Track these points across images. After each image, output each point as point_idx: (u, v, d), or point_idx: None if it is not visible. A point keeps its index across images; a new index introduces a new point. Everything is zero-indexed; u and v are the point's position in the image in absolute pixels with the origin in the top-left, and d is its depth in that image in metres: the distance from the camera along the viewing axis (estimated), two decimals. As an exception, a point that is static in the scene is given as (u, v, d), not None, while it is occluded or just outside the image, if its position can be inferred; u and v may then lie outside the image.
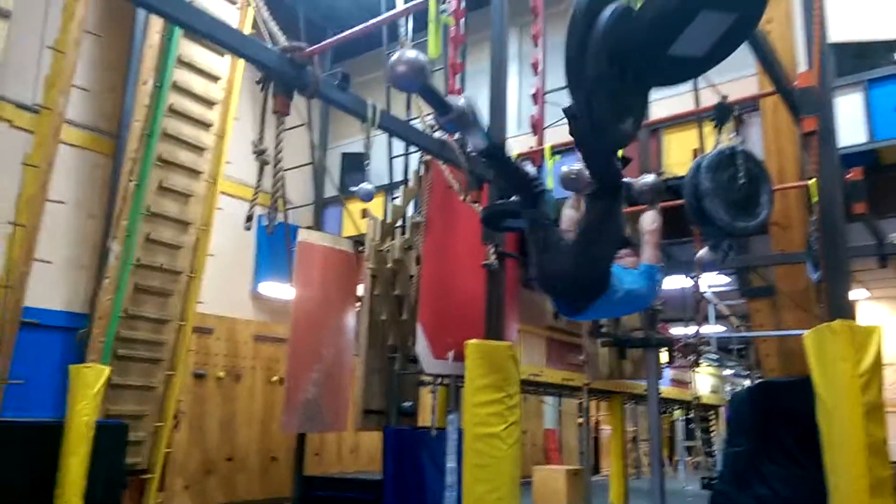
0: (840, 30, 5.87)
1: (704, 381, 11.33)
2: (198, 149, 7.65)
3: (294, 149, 9.41)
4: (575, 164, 3.21)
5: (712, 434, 12.25)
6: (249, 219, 3.16)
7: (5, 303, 6.10)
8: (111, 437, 6.26)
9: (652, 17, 1.76)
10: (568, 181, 3.34)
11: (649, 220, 3.33)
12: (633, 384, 8.35)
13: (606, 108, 1.87)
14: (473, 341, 3.91)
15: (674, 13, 1.75)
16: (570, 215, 3.42)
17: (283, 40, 2.87)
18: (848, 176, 4.37)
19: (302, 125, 8.54)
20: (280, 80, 2.81)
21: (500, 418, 3.73)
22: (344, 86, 3.14)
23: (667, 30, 1.79)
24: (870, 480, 2.51)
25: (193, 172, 7.61)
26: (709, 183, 2.94)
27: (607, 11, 1.86)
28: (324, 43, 2.94)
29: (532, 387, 8.26)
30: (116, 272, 6.63)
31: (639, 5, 1.93)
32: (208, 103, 7.76)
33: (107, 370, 6.07)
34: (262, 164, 3.04)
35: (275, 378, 8.88)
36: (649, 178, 3.17)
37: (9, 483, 5.65)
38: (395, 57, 2.33)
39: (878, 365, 2.67)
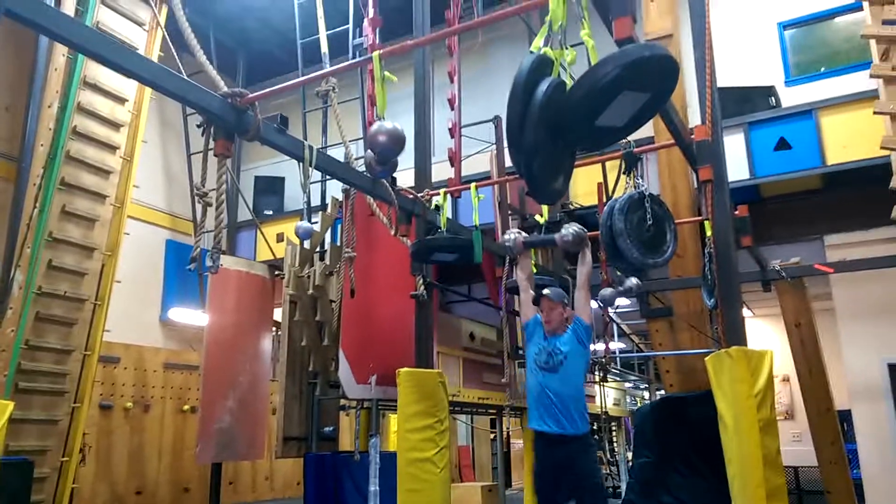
0: (723, 75, 6.52)
1: (608, 394, 11.95)
2: (103, 172, 7.41)
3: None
4: (510, 233, 3.88)
5: (615, 444, 12.91)
6: (193, 260, 3.17)
7: None
8: (16, 475, 5.92)
9: (582, 94, 2.03)
10: (506, 248, 4.11)
11: (582, 275, 3.81)
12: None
13: (543, 169, 2.12)
14: (405, 370, 4.08)
15: (600, 93, 2.02)
16: (521, 271, 4.19)
17: (223, 85, 2.95)
18: (736, 213, 4.89)
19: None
20: (222, 125, 2.90)
21: (431, 443, 3.90)
22: (282, 129, 3.26)
23: (594, 105, 2.07)
24: (766, 489, 2.88)
25: (99, 196, 7.36)
26: (621, 224, 3.27)
27: (543, 86, 2.12)
28: (264, 91, 3.04)
29: (449, 406, 8.45)
30: (19, 302, 6.32)
31: (569, 82, 2.21)
32: (115, 126, 7.54)
33: (10, 405, 5.74)
34: (205, 206, 3.09)
35: (186, 407, 8.65)
36: (571, 229, 3.57)
37: None
38: (374, 127, 2.62)
39: (770, 385, 3.07)
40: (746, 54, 6.99)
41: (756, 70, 6.91)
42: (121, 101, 7.51)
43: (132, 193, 7.72)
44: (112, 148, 7.48)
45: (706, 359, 3.23)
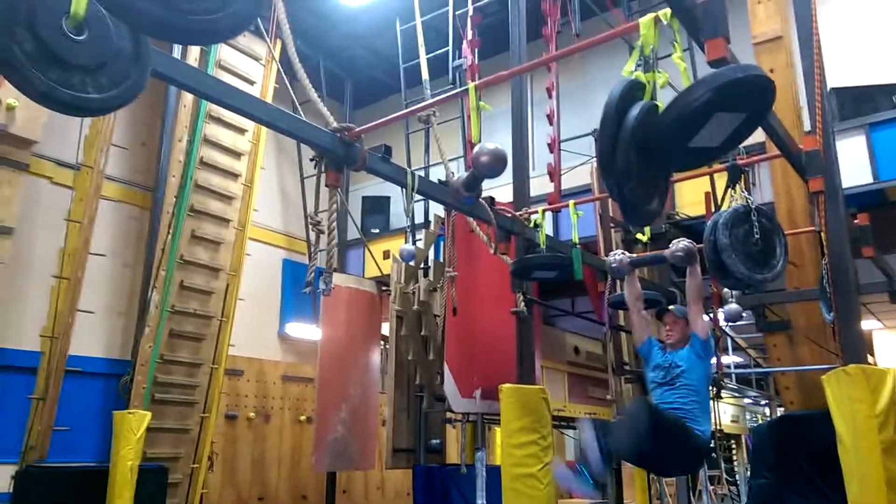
0: (840, 74, 6.16)
1: (725, 410, 11.43)
2: (227, 198, 8.00)
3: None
4: (615, 254, 3.90)
5: (735, 463, 12.30)
6: (308, 284, 3.40)
7: (52, 353, 6.41)
8: (153, 480, 6.48)
9: (674, 117, 2.04)
10: (612, 269, 4.16)
11: (693, 290, 3.77)
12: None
13: (636, 192, 2.14)
14: (508, 386, 4.14)
15: (692, 116, 2.02)
16: (629, 292, 4.23)
17: (332, 120, 3.16)
18: (855, 221, 4.61)
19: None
20: (332, 158, 3.10)
21: (535, 459, 3.94)
22: (386, 158, 3.44)
23: (686, 128, 2.07)
24: (890, 514, 2.73)
25: (223, 221, 7.95)
26: (726, 239, 3.19)
27: (635, 110, 2.14)
28: (370, 126, 3.24)
29: (556, 421, 8.41)
30: (156, 320, 6.92)
31: (660, 104, 2.22)
32: (236, 154, 8.13)
33: (148, 415, 6.32)
34: (318, 234, 3.31)
35: (302, 417, 9.09)
36: (681, 244, 3.53)
37: (57, 527, 5.88)
38: (477, 148, 2.79)
39: (892, 404, 2.88)
40: (866, 51, 6.56)
41: (877, 67, 6.46)
42: (241, 131, 8.09)
43: (252, 216, 8.28)
44: (234, 175, 8.07)
45: (823, 377, 3.09)
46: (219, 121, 7.80)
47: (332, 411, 7.92)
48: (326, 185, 3.22)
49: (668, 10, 2.28)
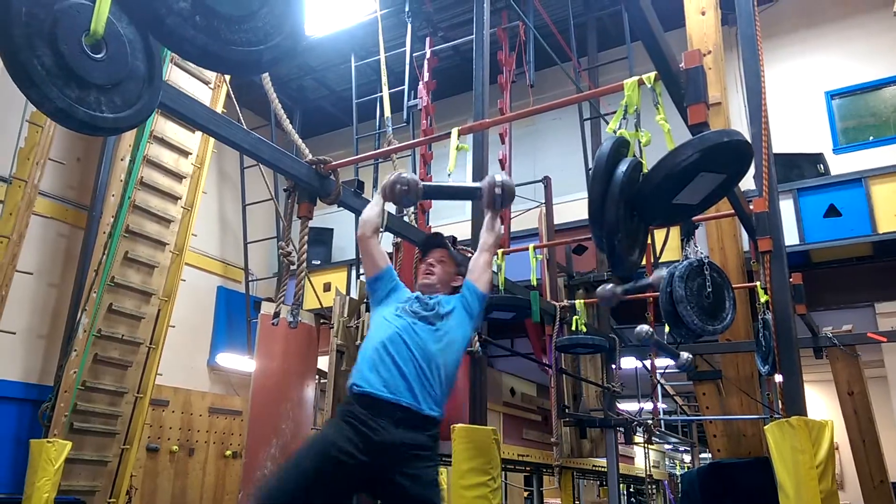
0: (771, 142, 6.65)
1: (648, 456, 11.74)
2: (165, 220, 7.75)
3: (258, 221, 9.62)
4: (606, 287, 3.90)
5: (653, 507, 12.61)
6: (277, 315, 3.35)
7: (-36, 375, 5.98)
8: (67, 515, 6.08)
9: (662, 176, 2.18)
10: (603, 300, 4.07)
11: (494, 237, 2.95)
12: (583, 461, 8.65)
13: (622, 244, 2.26)
14: (460, 426, 4.16)
15: (680, 175, 2.17)
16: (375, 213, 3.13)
17: (308, 153, 3.17)
18: (790, 281, 4.93)
19: (269, 199, 8.77)
20: (307, 190, 3.10)
21: (485, 500, 3.95)
22: (359, 192, 3.46)
23: (673, 186, 2.21)
24: (831, 562, 2.90)
25: (159, 244, 7.68)
26: (682, 291, 3.36)
27: (622, 166, 2.27)
28: (347, 160, 3.28)
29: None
30: (82, 344, 6.58)
31: (644, 161, 2.37)
32: (178, 177, 7.91)
33: (69, 445, 5.96)
34: (288, 265, 3.28)
35: (228, 452, 8.76)
36: (504, 177, 2.89)
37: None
38: (393, 177, 2.84)
39: (830, 455, 3.09)
40: (794, 122, 7.12)
41: (804, 137, 7.03)
42: (185, 153, 7.90)
43: (190, 241, 8.04)
44: (174, 198, 7.83)
45: (766, 427, 3.26)
46: (162, 141, 7.60)
47: (262, 447, 7.67)
48: (298, 217, 3.21)
49: (652, 74, 2.44)
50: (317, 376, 8.73)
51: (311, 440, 2.85)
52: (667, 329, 4.03)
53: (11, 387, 6.64)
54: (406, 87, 7.54)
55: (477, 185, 2.96)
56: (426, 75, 7.09)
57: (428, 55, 7.21)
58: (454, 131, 2.91)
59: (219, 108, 8.19)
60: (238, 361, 9.05)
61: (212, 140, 8.03)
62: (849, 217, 6.03)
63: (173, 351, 7.99)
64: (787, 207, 6.18)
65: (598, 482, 12.94)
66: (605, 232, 2.20)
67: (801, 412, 3.22)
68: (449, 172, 2.95)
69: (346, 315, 7.41)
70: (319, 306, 8.85)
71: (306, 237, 3.25)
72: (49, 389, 6.51)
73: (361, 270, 8.56)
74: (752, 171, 3.11)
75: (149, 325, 7.49)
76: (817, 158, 6.54)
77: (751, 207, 3.50)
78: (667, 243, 5.59)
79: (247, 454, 7.61)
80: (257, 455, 7.61)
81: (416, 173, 7.60)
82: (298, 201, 3.15)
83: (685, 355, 5.04)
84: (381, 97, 7.39)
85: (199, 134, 8.00)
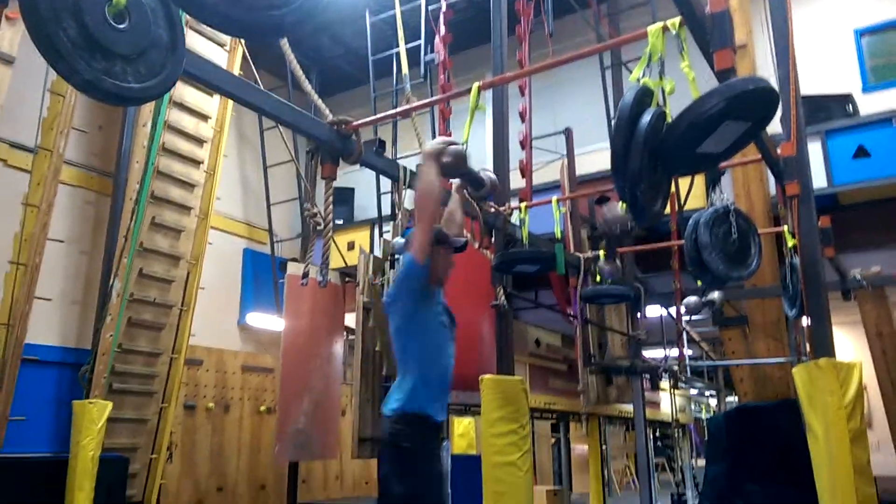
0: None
1: (674, 401, 11.84)
2: (188, 185, 7.84)
3: (280, 182, 9.68)
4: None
5: (680, 451, 12.80)
6: (306, 275, 3.42)
7: (7, 341, 6.18)
8: (113, 470, 6.34)
9: (687, 125, 2.16)
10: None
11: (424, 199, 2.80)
12: (609, 407, 8.79)
13: (646, 194, 2.26)
14: (489, 377, 4.24)
15: (705, 123, 2.15)
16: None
17: (329, 113, 3.18)
18: (819, 225, 4.88)
19: (290, 161, 8.80)
20: (329, 150, 3.12)
21: (515, 447, 4.06)
22: (381, 152, 3.48)
23: (698, 135, 2.19)
24: (858, 498, 2.94)
25: (184, 208, 7.79)
26: (707, 238, 3.36)
27: (646, 116, 2.25)
28: (367, 120, 3.27)
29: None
30: (116, 308, 6.76)
31: (667, 110, 2.34)
32: (199, 141, 7.97)
33: (109, 405, 6.18)
34: (314, 227, 3.32)
35: (262, 408, 9.01)
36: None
37: (14, 519, 5.71)
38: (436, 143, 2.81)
39: (859, 395, 3.10)
40: (821, 62, 6.92)
41: (832, 78, 6.83)
42: (204, 118, 7.93)
43: (214, 205, 8.14)
44: (196, 162, 7.91)
45: (794, 370, 3.28)
46: (182, 107, 7.63)
47: (294, 402, 7.89)
48: (322, 178, 3.24)
49: (676, 20, 2.39)
50: (345, 333, 8.89)
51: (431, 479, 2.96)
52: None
53: (51, 351, 6.87)
54: (422, 41, 7.44)
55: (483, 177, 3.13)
56: (442, 29, 6.97)
57: (443, 8, 7.07)
58: (475, 87, 2.88)
59: (236, 71, 8.17)
60: (267, 321, 9.24)
61: (230, 103, 8.04)
62: (878, 157, 5.90)
63: (204, 312, 8.18)
64: (814, 150, 6.06)
65: (625, 428, 13.13)
66: (627, 183, 2.20)
67: (829, 354, 3.23)
68: (464, 141, 2.94)
69: (370, 273, 7.50)
70: (344, 265, 8.96)
71: (331, 198, 3.28)
72: (86, 353, 6.72)
73: (385, 228, 8.61)
74: (778, 113, 3.06)
75: (179, 287, 7.66)
76: (846, 99, 6.38)
77: (778, 152, 3.46)
78: (691, 191, 5.55)
79: (280, 409, 7.83)
80: (290, 410, 7.83)
81: (435, 130, 7.56)
82: (321, 163, 3.18)
83: (693, 299, 5.03)
84: (398, 53, 7.30)
85: (217, 97, 8.01)
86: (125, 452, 6.88)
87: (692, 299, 5.30)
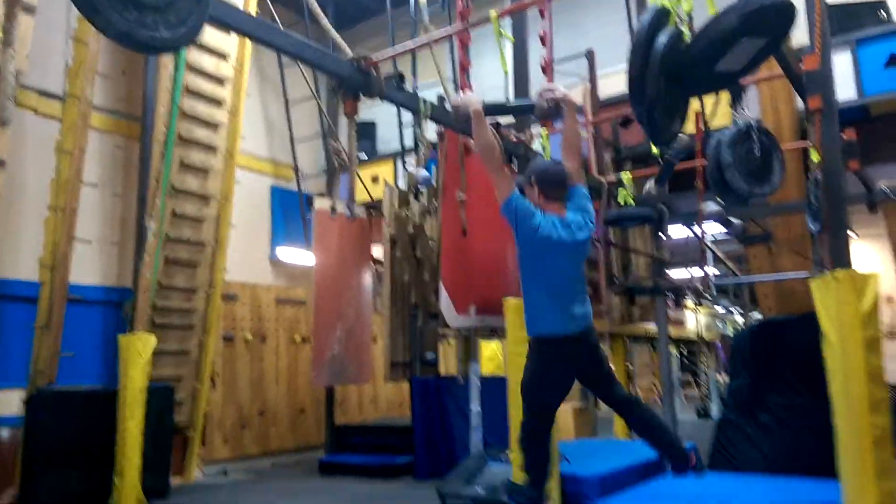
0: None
1: (699, 319, 11.99)
2: (213, 125, 7.93)
3: (304, 118, 9.70)
4: None
5: (706, 368, 13.05)
6: (334, 210, 3.52)
7: (52, 282, 6.48)
8: (160, 399, 6.73)
9: (705, 44, 2.18)
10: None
11: (479, 146, 3.12)
12: (634, 327, 8.96)
13: (663, 116, 2.30)
14: (513, 300, 4.39)
15: (722, 41, 2.16)
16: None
17: (348, 50, 3.21)
18: (843, 137, 4.82)
19: (311, 98, 8.79)
20: (350, 87, 3.17)
21: (540, 366, 4.23)
22: (401, 86, 3.51)
23: (715, 53, 2.21)
24: (870, 402, 3.06)
25: (210, 148, 7.92)
26: (729, 157, 3.38)
27: (663, 37, 2.27)
28: (389, 55, 3.29)
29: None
30: (153, 248, 7.00)
31: (685, 29, 2.35)
32: (220, 81, 8.01)
33: (153, 339, 6.49)
34: (340, 164, 3.41)
35: (297, 338, 9.36)
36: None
37: (72, 444, 6.12)
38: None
39: (875, 305, 3.18)
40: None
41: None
42: (223, 57, 7.93)
43: (239, 144, 8.24)
44: (219, 102, 7.97)
45: (812, 282, 3.36)
46: (200, 46, 7.63)
47: (328, 331, 8.20)
48: (345, 114, 3.30)
49: (692, -63, 2.37)
50: (373, 264, 9.10)
51: None
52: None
53: (94, 291, 7.17)
54: (440, -33, 7.26)
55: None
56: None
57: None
58: (493, 15, 2.89)
59: (252, 9, 8.09)
60: (297, 255, 9.46)
61: (248, 42, 8.01)
62: (911, 65, 5.73)
63: (237, 249, 8.42)
64: (844, 60, 5.89)
65: (651, 347, 13.37)
66: (645, 106, 2.24)
67: (847, 266, 3.29)
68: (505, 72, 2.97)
69: (395, 205, 7.63)
70: (369, 199, 9.07)
71: (354, 134, 3.36)
72: (128, 291, 7.02)
73: (408, 161, 8.65)
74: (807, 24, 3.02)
75: (211, 226, 7.88)
76: (878, 5, 6.14)
77: (801, 66, 3.41)
78: (716, 109, 5.47)
79: (315, 338, 8.16)
80: (324, 339, 8.15)
81: (455, 59, 7.46)
82: (343, 100, 3.23)
83: (738, 222, 5.05)
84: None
85: (234, 35, 7.98)
86: (171, 382, 7.27)
87: (707, 204, 5.17)
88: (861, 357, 3.11)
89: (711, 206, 5.11)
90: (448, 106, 5.95)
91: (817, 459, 4.16)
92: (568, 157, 3.17)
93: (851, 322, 3.16)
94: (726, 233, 5.43)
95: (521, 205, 3.08)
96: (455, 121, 3.02)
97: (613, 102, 7.02)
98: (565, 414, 9.55)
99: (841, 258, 3.34)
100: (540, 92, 3.10)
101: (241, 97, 8.11)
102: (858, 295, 3.17)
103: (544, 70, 6.49)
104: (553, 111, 3.06)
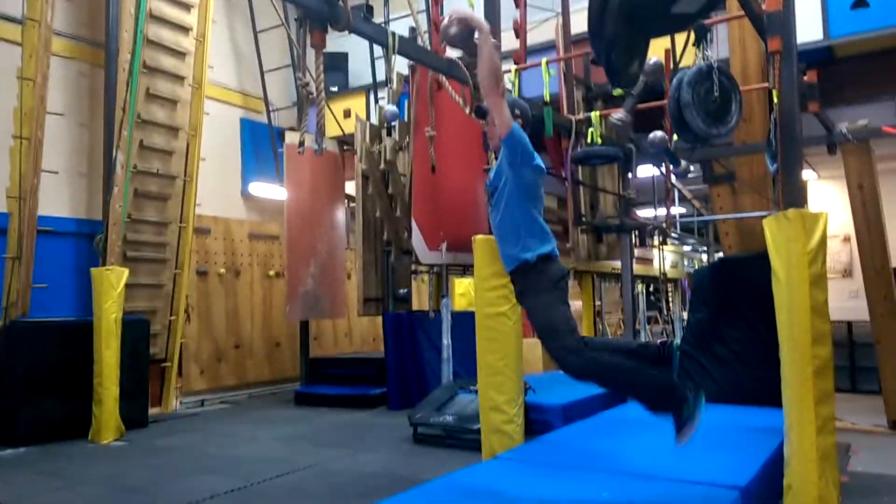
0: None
1: (665, 257, 12.26)
2: (180, 54, 7.76)
3: (273, 49, 9.49)
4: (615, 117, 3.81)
5: (671, 304, 13.44)
6: (302, 144, 3.54)
7: (21, 213, 6.43)
8: (136, 331, 6.81)
9: (659, -15, 2.22)
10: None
11: (483, 71, 2.84)
12: (601, 264, 9.17)
13: (621, 57, 2.36)
14: (481, 237, 4.49)
15: (676, -18, 2.21)
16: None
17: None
18: (804, 78, 4.90)
19: (280, 26, 8.57)
20: (317, 18, 3.15)
21: (505, 300, 4.37)
22: (368, 17, 3.49)
23: (670, -6, 2.26)
24: (812, 334, 3.25)
25: (178, 78, 7.77)
26: (689, 96, 3.44)
27: (621, -23, 2.30)
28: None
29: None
30: (122, 180, 6.94)
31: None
32: (185, 6, 7.80)
33: (126, 272, 6.51)
34: (307, 96, 3.41)
35: (271, 272, 9.43)
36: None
37: (49, 375, 6.20)
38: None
39: (822, 244, 3.33)
40: None
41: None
42: (188, -21, 7.69)
43: (207, 74, 8.07)
44: (185, 29, 7.78)
45: (764, 220, 3.50)
46: (164, -32, 7.38)
47: (301, 266, 8.28)
48: (312, 46, 3.28)
49: None
50: (346, 200, 9.12)
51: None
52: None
53: (64, 222, 7.13)
54: None
55: None
56: None
57: None
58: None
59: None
60: (269, 190, 9.43)
61: (213, -36, 7.75)
62: (877, 7, 5.74)
63: (207, 183, 8.37)
64: (811, 1, 5.92)
65: (619, 284, 13.70)
66: (603, 46, 2.29)
67: (799, 206, 3.42)
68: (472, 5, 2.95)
69: (367, 140, 7.60)
70: (341, 133, 9.00)
71: (322, 66, 3.34)
72: (99, 224, 6.98)
73: (381, 95, 8.57)
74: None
75: (180, 158, 7.81)
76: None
77: (763, 7, 3.45)
78: (686, 48, 5.49)
79: (289, 273, 8.24)
80: (298, 274, 8.24)
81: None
82: (310, 30, 3.21)
83: (684, 163, 5.15)
84: None
85: (199, -42, 7.72)
86: (145, 315, 7.33)
87: (654, 134, 5.19)
88: (806, 292, 3.27)
89: (657, 134, 5.11)
90: (420, 40, 5.90)
91: (766, 390, 4.39)
92: (487, 94, 2.88)
93: (799, 259, 3.30)
94: (673, 171, 5.52)
95: (524, 133, 2.99)
96: (449, 40, 2.84)
97: (586, 39, 6.97)
98: (535, 347, 9.85)
99: (794, 198, 3.46)
100: (448, 14, 2.85)
101: (207, 24, 7.92)
102: (808, 234, 3.31)
103: (516, 3, 6.46)
104: (463, 36, 2.80)
